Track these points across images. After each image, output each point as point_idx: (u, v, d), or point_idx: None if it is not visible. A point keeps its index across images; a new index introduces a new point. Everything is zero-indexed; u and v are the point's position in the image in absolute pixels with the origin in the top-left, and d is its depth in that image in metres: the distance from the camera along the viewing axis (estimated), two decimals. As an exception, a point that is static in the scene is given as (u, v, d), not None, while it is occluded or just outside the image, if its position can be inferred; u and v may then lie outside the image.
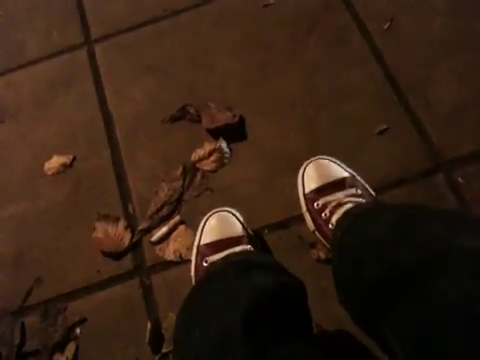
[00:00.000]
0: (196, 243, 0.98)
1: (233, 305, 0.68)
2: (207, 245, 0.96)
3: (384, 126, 1.13)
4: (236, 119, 1.16)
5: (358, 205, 0.90)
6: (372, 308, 0.67)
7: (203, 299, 0.76)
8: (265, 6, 1.33)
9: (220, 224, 0.98)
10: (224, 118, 1.16)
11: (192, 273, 0.97)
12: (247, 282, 0.74)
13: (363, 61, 1.22)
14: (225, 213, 1.00)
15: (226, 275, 0.80)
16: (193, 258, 0.98)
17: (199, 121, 1.19)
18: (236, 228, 0.98)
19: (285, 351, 0.64)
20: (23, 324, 1.06)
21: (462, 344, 0.52)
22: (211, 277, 0.83)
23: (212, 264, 0.91)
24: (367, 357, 0.92)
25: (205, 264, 0.93)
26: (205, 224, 0.99)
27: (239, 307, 0.67)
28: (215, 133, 1.17)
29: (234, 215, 1.00)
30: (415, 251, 0.62)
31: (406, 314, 0.60)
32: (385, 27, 1.24)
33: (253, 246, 0.96)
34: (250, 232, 1.00)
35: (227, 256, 0.91)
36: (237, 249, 0.92)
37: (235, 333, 0.63)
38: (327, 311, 0.96)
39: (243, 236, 0.96)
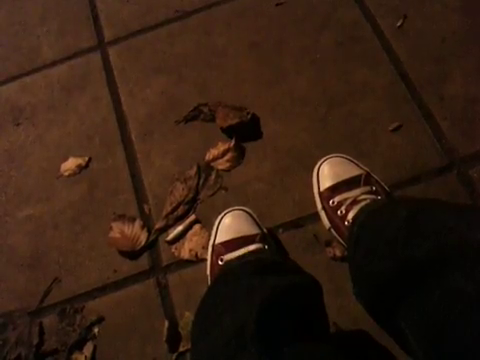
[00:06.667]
0: (211, 242, 0.99)
1: (247, 303, 0.69)
2: (222, 244, 0.96)
3: (397, 123, 1.13)
4: (249, 117, 1.17)
5: (374, 201, 0.91)
6: (387, 300, 0.68)
7: (218, 298, 0.77)
8: (277, 5, 1.33)
9: (235, 222, 0.99)
10: (237, 116, 1.17)
11: (208, 272, 0.98)
12: (261, 280, 0.75)
13: (375, 58, 1.22)
14: (239, 211, 1.00)
15: (241, 274, 0.81)
16: (209, 257, 0.99)
17: (213, 120, 1.19)
18: (250, 226, 0.98)
19: (300, 348, 0.64)
20: (41, 324, 1.07)
21: (478, 334, 0.52)
22: (226, 276, 0.84)
23: (227, 263, 0.92)
24: (384, 356, 0.92)
25: (220, 263, 0.94)
26: (220, 223, 1.00)
27: (253, 305, 0.67)
28: (229, 132, 1.17)
29: (248, 213, 1.00)
30: (430, 244, 0.62)
31: (421, 305, 0.60)
32: (398, 24, 1.24)
33: (267, 244, 0.96)
34: (264, 230, 1.00)
35: (242, 255, 0.91)
36: (252, 247, 0.93)
37: (249, 330, 0.63)
38: (343, 308, 0.96)
39: (257, 234, 0.97)
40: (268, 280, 0.75)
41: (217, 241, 0.98)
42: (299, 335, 0.67)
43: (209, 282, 0.98)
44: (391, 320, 0.69)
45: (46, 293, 1.09)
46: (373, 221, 0.82)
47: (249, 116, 1.16)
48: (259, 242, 0.95)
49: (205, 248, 1.05)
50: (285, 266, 0.88)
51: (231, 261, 0.91)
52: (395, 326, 0.68)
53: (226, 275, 0.86)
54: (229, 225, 0.99)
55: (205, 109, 1.21)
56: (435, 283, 0.59)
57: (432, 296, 0.59)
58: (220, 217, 1.01)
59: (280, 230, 1.07)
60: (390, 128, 1.13)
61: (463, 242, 0.59)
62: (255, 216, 1.01)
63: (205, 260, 1.01)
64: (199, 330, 0.75)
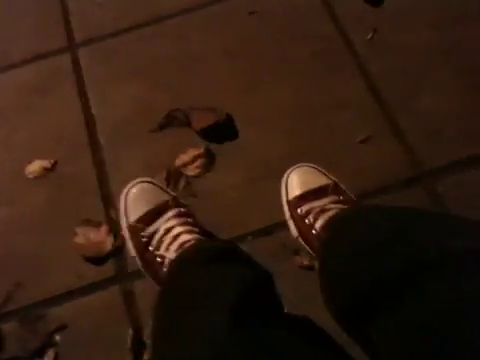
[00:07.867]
0: (124, 224, 1.00)
1: (215, 301, 0.67)
2: (137, 220, 0.97)
3: (366, 135, 1.14)
4: (224, 115, 1.17)
5: (343, 210, 0.91)
6: (360, 310, 0.67)
7: (178, 295, 0.75)
8: (250, 13, 1.33)
9: (142, 194, 1.00)
10: (213, 116, 1.16)
11: (133, 254, 0.99)
12: (221, 275, 0.75)
13: (347, 70, 1.24)
14: (144, 184, 1.02)
15: (196, 265, 0.81)
16: (128, 239, 0.99)
17: (188, 125, 1.18)
18: (158, 193, 1.01)
19: (268, 333, 0.63)
20: (1, 330, 1.04)
21: (455, 345, 0.51)
22: (181, 269, 0.83)
23: (180, 254, 0.91)
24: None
25: (144, 240, 0.95)
26: (126, 199, 1.01)
27: (223, 304, 0.66)
28: (205, 135, 1.17)
29: (151, 183, 1.02)
30: (407, 252, 0.61)
31: (397, 316, 0.59)
32: (368, 37, 1.26)
33: (181, 206, 0.99)
34: (172, 193, 1.03)
35: (194, 245, 0.91)
36: (169, 214, 0.95)
37: (222, 334, 0.62)
38: (309, 316, 0.96)
39: (168, 200, 0.99)
40: (229, 274, 0.75)
41: (131, 220, 0.99)
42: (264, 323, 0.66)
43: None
44: (362, 330, 0.68)
45: (7, 298, 1.06)
46: (347, 228, 0.81)
47: (224, 114, 1.16)
48: (174, 207, 0.97)
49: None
50: (236, 254, 0.88)
51: (183, 252, 0.90)
52: (365, 337, 0.67)
53: (180, 267, 0.84)
54: (137, 198, 1.00)
55: (179, 114, 1.19)
56: (412, 291, 0.58)
57: (408, 307, 0.58)
58: (125, 194, 1.01)
59: (249, 237, 1.07)
60: (359, 139, 1.14)
61: (444, 250, 0.58)
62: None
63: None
64: (162, 332, 0.72)
